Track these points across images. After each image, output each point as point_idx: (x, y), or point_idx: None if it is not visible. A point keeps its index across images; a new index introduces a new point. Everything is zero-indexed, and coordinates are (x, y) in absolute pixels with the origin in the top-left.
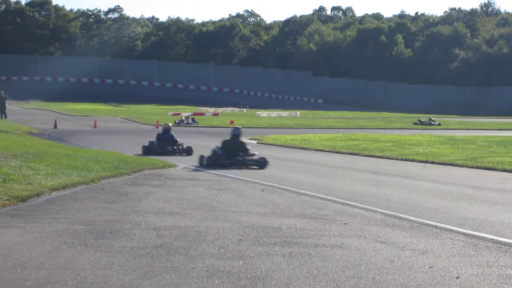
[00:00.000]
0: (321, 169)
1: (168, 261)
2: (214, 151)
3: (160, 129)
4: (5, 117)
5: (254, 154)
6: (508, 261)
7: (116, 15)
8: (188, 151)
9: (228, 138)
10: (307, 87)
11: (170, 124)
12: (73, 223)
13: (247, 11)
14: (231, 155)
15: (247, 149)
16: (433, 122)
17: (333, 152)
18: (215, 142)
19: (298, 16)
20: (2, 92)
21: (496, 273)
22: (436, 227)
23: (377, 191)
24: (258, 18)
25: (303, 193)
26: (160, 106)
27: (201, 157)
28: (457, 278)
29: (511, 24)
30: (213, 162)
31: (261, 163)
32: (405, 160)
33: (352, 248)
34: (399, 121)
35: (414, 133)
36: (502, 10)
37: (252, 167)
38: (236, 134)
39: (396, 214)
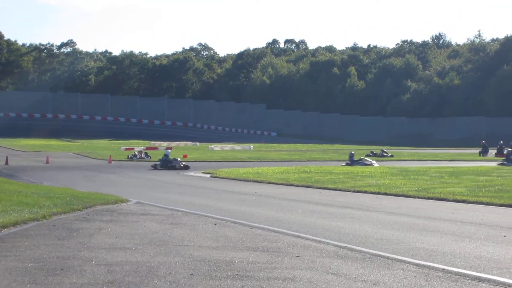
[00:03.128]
0: (274, 202)
1: None
2: None
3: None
4: None
5: None
6: None
7: (69, 49)
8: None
9: None
10: (261, 120)
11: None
12: (23, 261)
13: (200, 44)
14: None
15: None
16: (385, 154)
17: (286, 184)
18: (168, 177)
19: (251, 49)
20: None
21: None
22: (387, 258)
23: (330, 223)
24: (212, 51)
25: (256, 226)
26: (113, 140)
27: None
28: None
29: (461, 56)
30: None
31: None
32: (358, 192)
33: (304, 281)
34: None
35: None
36: (453, 42)
37: None
38: None
39: (348, 245)
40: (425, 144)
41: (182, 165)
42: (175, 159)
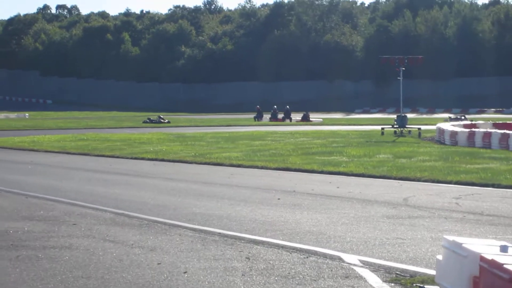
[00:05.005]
0: (50, 171)
1: None
2: None
3: None
4: None
5: None
6: (234, 253)
7: None
8: None
9: None
10: (35, 88)
11: None
12: None
13: None
14: None
15: None
16: (162, 120)
17: (63, 153)
18: None
19: (22, 14)
20: None
21: (223, 266)
22: (165, 223)
23: (107, 190)
24: None
25: (31, 195)
26: None
27: None
28: (184, 273)
29: (233, 21)
30: None
31: None
32: (135, 158)
33: (81, 249)
34: (129, 120)
35: (144, 132)
36: (225, 8)
37: None
38: None
39: (126, 212)
40: (200, 109)
41: None
42: None
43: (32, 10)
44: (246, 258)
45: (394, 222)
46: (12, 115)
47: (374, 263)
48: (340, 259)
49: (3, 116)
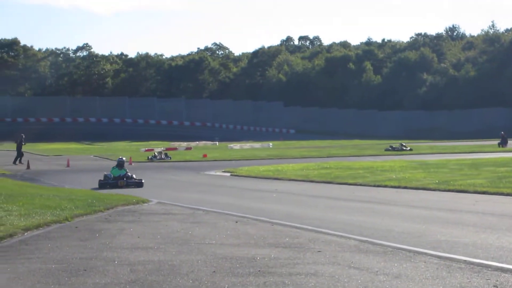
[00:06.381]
0: (294, 198)
1: None
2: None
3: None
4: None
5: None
6: (481, 281)
7: (84, 53)
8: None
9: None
10: (278, 118)
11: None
12: (47, 262)
13: (215, 44)
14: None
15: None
16: (404, 148)
17: (307, 181)
18: (189, 177)
19: (266, 47)
20: (23, 135)
21: None
22: (409, 251)
23: (350, 218)
24: (227, 50)
25: (277, 222)
26: (132, 142)
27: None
28: None
29: (476, 47)
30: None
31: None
32: (378, 186)
33: (326, 275)
34: (371, 148)
35: (386, 159)
36: (467, 34)
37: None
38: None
39: (370, 239)
40: (442, 137)
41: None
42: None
43: (276, 42)
44: (494, 286)
45: None
46: (257, 144)
47: None
48: None
49: (248, 146)
